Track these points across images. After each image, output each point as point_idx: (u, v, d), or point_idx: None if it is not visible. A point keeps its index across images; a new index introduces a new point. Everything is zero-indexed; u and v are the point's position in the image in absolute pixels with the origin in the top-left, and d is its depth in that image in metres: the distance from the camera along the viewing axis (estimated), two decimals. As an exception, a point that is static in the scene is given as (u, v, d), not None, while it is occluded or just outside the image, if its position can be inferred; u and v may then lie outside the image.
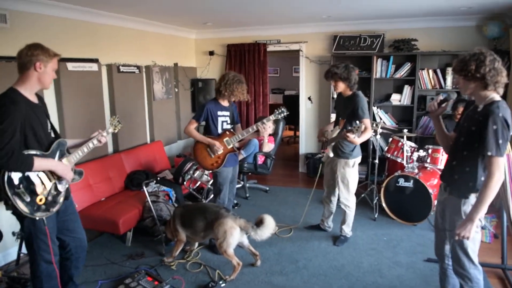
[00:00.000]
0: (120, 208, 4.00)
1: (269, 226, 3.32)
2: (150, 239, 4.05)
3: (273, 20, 5.68)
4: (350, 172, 3.78)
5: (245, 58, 6.38)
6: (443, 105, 2.44)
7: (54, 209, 2.41)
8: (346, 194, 3.85)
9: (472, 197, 2.23)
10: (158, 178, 4.24)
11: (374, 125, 4.77)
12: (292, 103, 9.78)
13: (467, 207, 2.25)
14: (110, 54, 4.76)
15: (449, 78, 5.36)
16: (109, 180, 4.44)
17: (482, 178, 2.19)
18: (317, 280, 3.32)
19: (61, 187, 2.48)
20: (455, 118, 4.91)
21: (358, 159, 3.82)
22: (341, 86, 3.67)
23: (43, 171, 2.36)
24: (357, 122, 3.28)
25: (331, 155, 3.75)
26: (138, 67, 5.22)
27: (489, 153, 2.06)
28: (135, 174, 4.69)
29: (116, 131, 3.04)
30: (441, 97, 2.47)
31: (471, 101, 2.40)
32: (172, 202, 4.38)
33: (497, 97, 2.15)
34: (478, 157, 2.18)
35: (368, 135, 3.44)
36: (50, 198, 2.38)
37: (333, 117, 4.88)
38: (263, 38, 6.32)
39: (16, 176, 2.23)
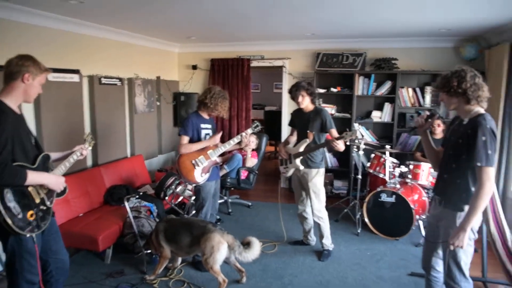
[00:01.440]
0: (100, 224, 3.87)
1: (255, 250, 3.27)
2: (131, 256, 3.92)
3: (257, 36, 5.74)
4: (322, 181, 3.90)
5: (228, 73, 6.39)
6: (430, 120, 2.50)
7: (44, 226, 2.29)
8: (318, 205, 3.89)
9: (466, 209, 2.27)
10: (141, 193, 4.13)
11: (357, 141, 4.84)
12: (273, 118, 9.87)
13: (461, 220, 2.28)
14: (91, 65, 4.67)
15: (427, 97, 5.52)
16: (88, 195, 4.30)
17: (473, 189, 2.24)
18: (303, 296, 3.28)
19: (49, 203, 2.37)
20: (432, 134, 5.04)
21: (324, 169, 3.96)
22: (307, 101, 3.81)
23: (33, 186, 2.25)
24: (349, 129, 3.42)
25: (302, 167, 3.80)
26: (120, 79, 5.14)
27: (479, 164, 2.11)
28: (115, 189, 4.57)
29: (90, 148, 2.93)
30: (427, 113, 2.54)
31: (456, 116, 2.47)
32: (153, 218, 4.27)
33: (481, 110, 2.23)
34: (467, 168, 2.24)
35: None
36: (40, 213, 2.27)
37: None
38: (247, 54, 6.36)
39: (7, 190, 2.11)
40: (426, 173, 4.45)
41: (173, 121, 6.50)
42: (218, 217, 4.96)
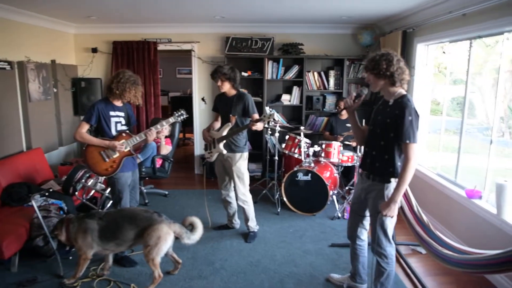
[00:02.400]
0: (1, 228, 3.36)
1: (200, 228, 3.19)
2: (42, 261, 3.52)
3: (164, 18, 5.49)
4: (245, 165, 3.95)
5: (133, 57, 6.01)
6: (357, 100, 2.68)
7: None
8: (243, 189, 3.95)
9: (393, 181, 2.51)
10: (51, 190, 3.69)
11: (272, 124, 4.97)
12: (179, 104, 9.62)
13: (388, 191, 2.52)
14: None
15: (331, 80, 5.92)
16: (-20, 197, 3.72)
17: (399, 164, 2.48)
18: (237, 278, 3.32)
19: None
20: (339, 115, 5.45)
21: (247, 153, 4.01)
22: (227, 86, 3.80)
23: None
24: (268, 111, 3.58)
25: (225, 151, 3.82)
26: (10, 63, 4.48)
27: (407, 141, 2.34)
28: (13, 188, 4.01)
29: None
30: (354, 94, 2.72)
31: (379, 97, 2.69)
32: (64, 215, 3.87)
33: (403, 92, 2.46)
34: (394, 145, 2.46)
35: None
36: None
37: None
38: (153, 36, 6.04)
39: None
40: (337, 151, 4.80)
41: (73, 109, 5.92)
42: (146, 200, 4.90)
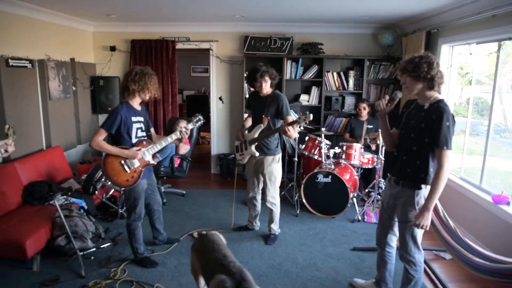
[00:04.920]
0: (23, 227, 3.38)
1: None
2: (63, 260, 3.52)
3: (183, 16, 5.46)
4: (278, 168, 3.85)
5: (151, 55, 6.00)
6: (390, 104, 2.61)
7: None
8: (273, 192, 3.89)
9: (423, 188, 2.44)
10: (73, 189, 3.69)
11: (301, 127, 4.90)
12: (195, 103, 9.64)
13: (419, 198, 2.45)
14: (-5, 45, 4.00)
15: (351, 81, 5.84)
16: (2, 195, 3.72)
17: (431, 170, 2.40)
18: (259, 282, 3.27)
19: None
20: (359, 116, 5.38)
21: (281, 154, 3.91)
22: (268, 86, 3.70)
23: None
24: (307, 114, 3.38)
25: (257, 154, 3.75)
26: (31, 61, 4.49)
27: (444, 147, 2.27)
28: (34, 186, 4.04)
29: (13, 142, 2.48)
30: (387, 97, 2.64)
31: (410, 100, 2.62)
32: (86, 215, 3.87)
33: (439, 96, 2.38)
34: (428, 151, 2.38)
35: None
36: None
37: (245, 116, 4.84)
38: (171, 35, 6.02)
39: None
40: (358, 153, 4.73)
41: (91, 108, 5.93)
42: (165, 200, 4.91)
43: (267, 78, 3.63)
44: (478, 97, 5.11)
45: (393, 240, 2.85)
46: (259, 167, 3.84)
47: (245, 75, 5.53)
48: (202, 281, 2.62)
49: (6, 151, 2.29)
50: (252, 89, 3.93)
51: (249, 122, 3.97)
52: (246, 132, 3.86)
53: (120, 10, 4.97)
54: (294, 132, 3.48)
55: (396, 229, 2.78)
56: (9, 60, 4.13)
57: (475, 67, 4.34)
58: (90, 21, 5.80)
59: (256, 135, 3.69)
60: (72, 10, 4.93)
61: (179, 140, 3.45)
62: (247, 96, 5.73)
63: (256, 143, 3.72)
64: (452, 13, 4.24)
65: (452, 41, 4.42)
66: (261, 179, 3.92)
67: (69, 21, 5.39)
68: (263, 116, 3.69)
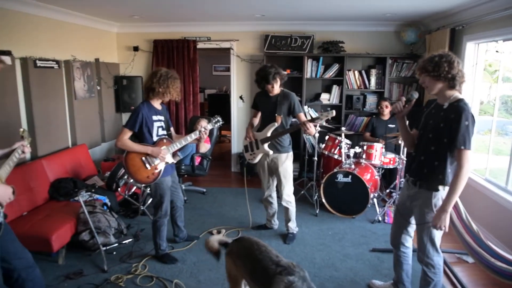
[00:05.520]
0: (50, 222, 3.51)
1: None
2: (87, 254, 3.64)
3: (203, 16, 5.52)
4: (291, 165, 3.89)
5: (173, 55, 6.09)
6: (407, 105, 2.57)
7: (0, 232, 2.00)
8: (289, 190, 3.91)
9: (441, 189, 2.39)
10: (97, 186, 3.80)
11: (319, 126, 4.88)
12: (217, 102, 9.72)
13: (437, 199, 2.40)
14: (23, 46, 4.14)
15: (373, 79, 5.76)
16: (31, 191, 3.87)
17: (449, 171, 2.35)
18: (277, 280, 3.29)
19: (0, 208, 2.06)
20: (381, 116, 5.31)
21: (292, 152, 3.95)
22: (278, 86, 3.74)
23: None
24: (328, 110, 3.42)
25: (271, 152, 3.76)
26: (57, 62, 4.64)
27: (462, 147, 2.22)
28: (60, 183, 4.18)
29: (29, 144, 2.57)
30: (404, 98, 2.60)
31: (430, 100, 2.57)
32: (109, 211, 3.98)
33: (460, 95, 2.32)
34: (447, 151, 2.33)
35: None
36: None
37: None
38: (193, 35, 6.09)
39: None
40: (379, 153, 4.67)
41: (115, 106, 6.08)
42: (185, 198, 4.95)
43: (278, 79, 3.67)
44: (507, 95, 4.95)
45: (408, 241, 2.82)
46: (273, 165, 3.86)
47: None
48: (243, 286, 2.58)
49: (23, 152, 2.37)
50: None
51: (256, 122, 4.00)
52: (255, 131, 3.88)
53: (143, 11, 5.07)
54: (314, 129, 3.52)
55: (410, 229, 2.75)
56: (37, 61, 4.28)
57: (503, 64, 4.21)
58: (114, 22, 5.94)
59: (269, 134, 3.71)
60: (97, 11, 5.07)
61: (198, 139, 3.51)
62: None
63: (269, 142, 3.73)
64: (477, 9, 4.13)
65: (478, 38, 4.30)
66: (275, 177, 3.94)
67: (94, 22, 5.53)
68: (276, 115, 3.71)
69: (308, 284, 2.11)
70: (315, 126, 4.72)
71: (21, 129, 2.53)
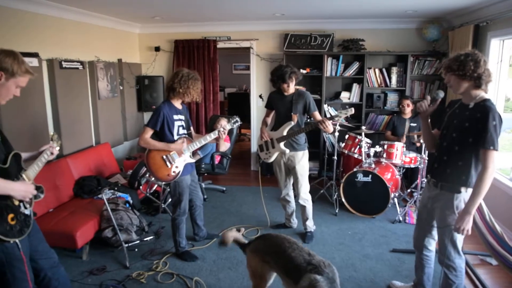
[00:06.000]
0: (74, 219, 3.62)
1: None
2: (109, 251, 3.74)
3: (223, 16, 5.56)
4: (307, 162, 3.91)
5: (194, 55, 6.15)
6: (432, 104, 2.53)
7: (28, 229, 2.07)
8: (306, 188, 3.92)
9: (463, 191, 2.35)
10: (119, 184, 3.90)
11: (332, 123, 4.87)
12: (236, 100, 9.77)
13: (459, 201, 2.36)
14: (49, 48, 4.28)
15: (394, 77, 5.68)
16: (57, 189, 4.00)
17: (473, 172, 2.31)
18: (295, 280, 3.30)
19: (29, 205, 2.14)
20: (402, 114, 5.23)
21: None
22: (294, 84, 3.77)
23: None
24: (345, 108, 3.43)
25: (287, 151, 3.77)
26: (82, 63, 4.77)
27: (490, 147, 2.16)
28: (84, 181, 4.29)
29: (58, 147, 2.66)
30: (429, 97, 2.56)
31: (453, 100, 2.52)
32: (131, 209, 4.07)
33: (486, 95, 2.27)
34: (472, 151, 2.28)
35: None
36: (21, 217, 2.04)
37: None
38: (213, 35, 6.15)
39: None
40: (400, 152, 4.61)
41: (137, 105, 6.19)
42: (205, 196, 5.06)
43: (294, 78, 3.70)
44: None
45: (431, 244, 2.77)
46: (290, 164, 3.87)
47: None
48: (269, 284, 2.62)
49: (51, 153, 2.43)
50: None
51: (268, 121, 4.03)
52: (269, 130, 3.91)
53: (164, 12, 5.15)
54: (331, 127, 3.53)
55: (434, 232, 2.70)
56: (63, 62, 4.41)
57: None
58: (136, 23, 6.05)
59: (285, 133, 3.73)
60: (120, 13, 5.17)
61: (217, 138, 3.56)
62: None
63: (285, 141, 3.75)
64: (502, 5, 4.01)
65: (503, 34, 4.18)
66: (291, 175, 3.96)
67: (117, 24, 5.65)
68: (292, 113, 3.72)
69: (330, 282, 2.14)
70: (334, 124, 4.72)
71: (52, 133, 2.61)
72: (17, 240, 1.99)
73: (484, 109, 2.20)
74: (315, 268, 2.25)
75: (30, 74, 2.06)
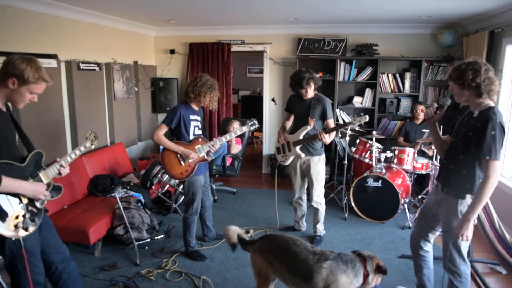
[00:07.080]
0: (88, 216, 3.72)
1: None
2: (121, 248, 3.82)
3: (238, 20, 5.62)
4: (323, 167, 3.93)
5: (208, 58, 6.25)
6: (439, 111, 2.54)
7: (34, 226, 2.14)
8: (320, 192, 3.94)
9: (468, 198, 2.36)
10: (132, 183, 3.99)
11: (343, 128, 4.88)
12: (249, 103, 9.84)
13: (463, 207, 2.37)
14: (67, 50, 4.40)
15: (407, 83, 5.66)
16: (72, 186, 4.11)
17: (478, 181, 2.31)
18: (302, 282, 3.32)
19: (39, 204, 2.20)
20: (414, 119, 5.21)
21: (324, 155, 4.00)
22: (313, 89, 3.79)
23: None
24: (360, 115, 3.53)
25: (303, 155, 3.81)
26: (98, 65, 4.90)
27: (487, 157, 2.18)
28: (98, 179, 4.40)
29: (93, 146, 2.72)
30: (436, 104, 2.58)
31: (465, 106, 2.52)
32: (143, 208, 4.16)
33: (491, 103, 2.27)
34: (475, 160, 2.30)
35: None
36: (28, 214, 2.11)
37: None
38: (227, 38, 6.23)
39: None
40: (411, 158, 4.59)
41: (151, 107, 6.31)
42: (216, 197, 5.15)
43: (312, 83, 3.74)
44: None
45: (427, 245, 2.80)
46: (305, 168, 3.90)
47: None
48: (274, 283, 2.68)
49: (59, 173, 2.43)
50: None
51: (288, 125, 4.07)
52: (287, 134, 3.95)
53: (179, 16, 5.25)
54: (329, 139, 3.63)
55: (431, 235, 2.75)
56: (80, 64, 4.53)
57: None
58: (152, 26, 6.18)
59: (301, 137, 3.77)
60: (137, 16, 5.30)
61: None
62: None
63: (301, 145, 3.78)
64: (518, 11, 3.98)
65: (518, 41, 4.15)
66: (307, 179, 3.98)
67: (134, 26, 5.78)
68: (309, 118, 3.77)
69: (341, 259, 2.34)
70: (346, 129, 4.74)
71: (89, 133, 2.61)
72: (20, 238, 2.05)
73: (485, 119, 2.20)
74: (322, 255, 2.35)
75: (45, 81, 2.10)
